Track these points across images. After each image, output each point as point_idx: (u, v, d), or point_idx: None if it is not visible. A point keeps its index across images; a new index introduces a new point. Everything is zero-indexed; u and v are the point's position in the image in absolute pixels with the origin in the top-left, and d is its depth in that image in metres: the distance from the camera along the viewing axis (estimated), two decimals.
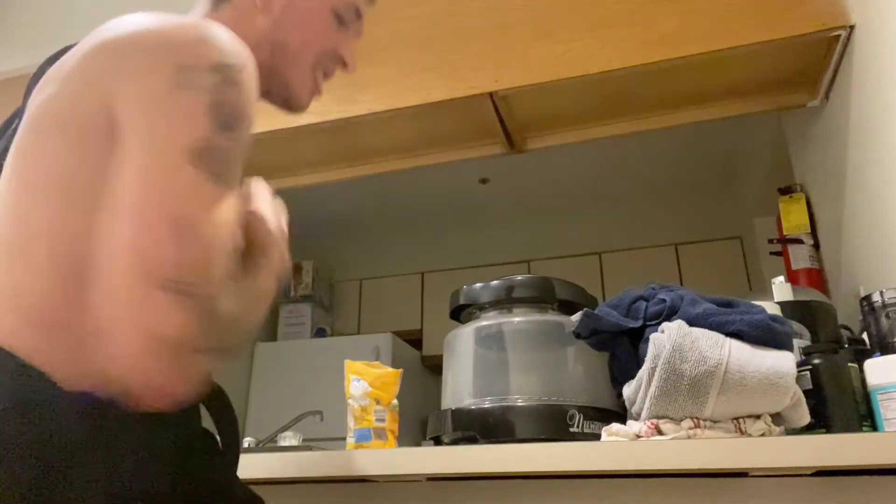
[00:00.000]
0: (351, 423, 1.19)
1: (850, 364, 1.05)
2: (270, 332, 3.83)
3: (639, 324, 1.07)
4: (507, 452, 0.95)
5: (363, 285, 4.14)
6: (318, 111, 1.79)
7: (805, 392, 1.02)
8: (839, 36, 1.47)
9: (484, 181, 3.67)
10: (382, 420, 1.18)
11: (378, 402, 1.19)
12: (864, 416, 1.02)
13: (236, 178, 0.64)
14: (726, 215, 3.59)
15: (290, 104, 0.83)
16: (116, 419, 0.56)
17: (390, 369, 1.23)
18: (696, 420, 0.95)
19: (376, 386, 1.19)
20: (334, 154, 1.98)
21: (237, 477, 0.78)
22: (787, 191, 1.93)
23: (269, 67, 0.78)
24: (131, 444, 0.58)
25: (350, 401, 1.19)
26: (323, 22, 0.80)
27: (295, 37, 0.79)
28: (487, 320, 1.28)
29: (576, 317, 1.12)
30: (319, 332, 3.78)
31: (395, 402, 1.22)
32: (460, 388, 1.27)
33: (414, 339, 3.72)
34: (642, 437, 0.96)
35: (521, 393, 1.18)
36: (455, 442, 1.14)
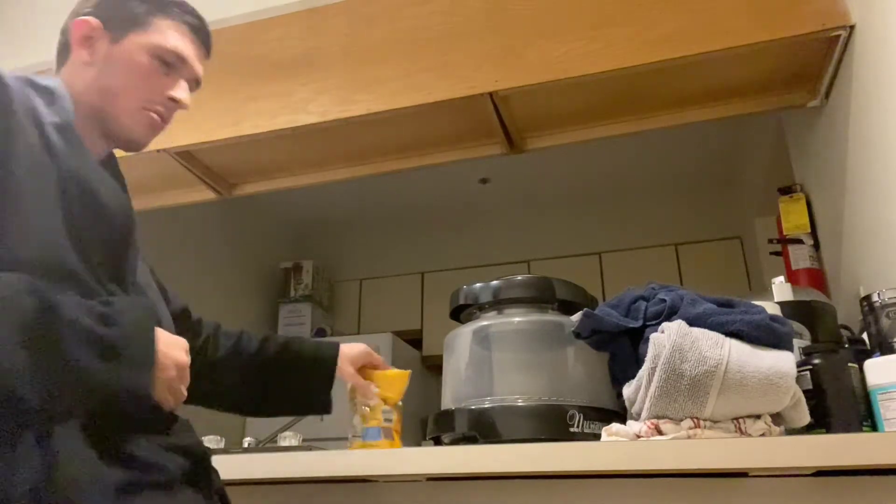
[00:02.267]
0: (357, 422, 1.19)
1: (850, 364, 1.05)
2: (270, 332, 3.84)
3: (639, 324, 1.07)
4: (507, 452, 0.95)
5: (363, 285, 4.14)
6: (318, 111, 1.79)
7: (805, 392, 1.02)
8: (839, 36, 1.47)
9: (484, 181, 3.67)
10: (390, 420, 1.18)
11: (385, 402, 1.18)
12: (864, 416, 1.02)
13: None
14: (726, 215, 3.59)
15: (128, 141, 0.91)
16: None
17: (397, 370, 1.22)
18: (696, 420, 0.95)
19: (383, 386, 1.19)
20: (334, 154, 1.98)
21: None
22: (787, 191, 1.93)
23: (100, 109, 0.88)
24: None
25: (358, 400, 1.18)
26: (144, 67, 0.89)
27: (117, 81, 0.89)
28: (487, 320, 1.28)
29: (576, 317, 1.12)
30: (319, 332, 3.78)
31: (399, 402, 1.21)
32: (460, 388, 1.27)
33: (414, 339, 3.73)
34: (642, 437, 0.96)
35: (521, 393, 1.18)
36: (455, 442, 1.14)
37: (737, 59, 1.56)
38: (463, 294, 1.30)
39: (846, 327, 1.33)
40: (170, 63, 0.91)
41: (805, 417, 1.00)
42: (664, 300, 1.06)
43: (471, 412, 1.16)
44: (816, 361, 1.06)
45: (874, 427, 1.01)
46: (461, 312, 1.34)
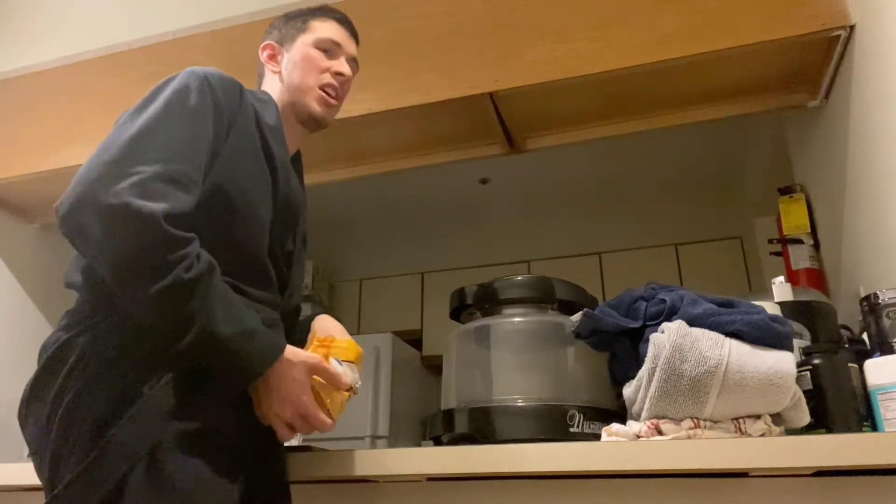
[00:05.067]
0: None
1: (850, 364, 1.05)
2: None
3: (639, 324, 1.07)
4: (507, 452, 0.95)
5: (363, 285, 4.15)
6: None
7: (805, 392, 1.02)
8: (839, 36, 1.47)
9: (484, 181, 3.67)
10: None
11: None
12: (864, 416, 1.02)
13: None
14: (726, 215, 3.59)
15: (312, 117, 1.14)
16: None
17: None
18: (696, 420, 0.95)
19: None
20: (334, 154, 1.98)
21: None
22: (787, 191, 1.93)
23: (290, 101, 1.14)
24: None
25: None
26: (311, 58, 1.15)
27: (297, 76, 1.14)
28: (487, 320, 1.28)
29: (576, 317, 1.12)
30: None
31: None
32: (460, 388, 1.27)
33: (414, 339, 3.73)
34: (642, 437, 0.96)
35: (521, 393, 1.18)
36: (455, 442, 1.14)
37: (737, 59, 1.56)
38: (463, 294, 1.31)
39: (846, 327, 1.33)
40: (328, 49, 1.16)
41: (805, 417, 1.00)
42: (664, 300, 1.06)
43: (471, 412, 1.16)
44: (816, 361, 1.07)
45: (874, 427, 1.01)
46: (461, 312, 1.34)
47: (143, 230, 0.80)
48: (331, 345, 1.01)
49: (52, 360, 0.87)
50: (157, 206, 0.81)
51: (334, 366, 0.97)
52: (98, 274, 0.87)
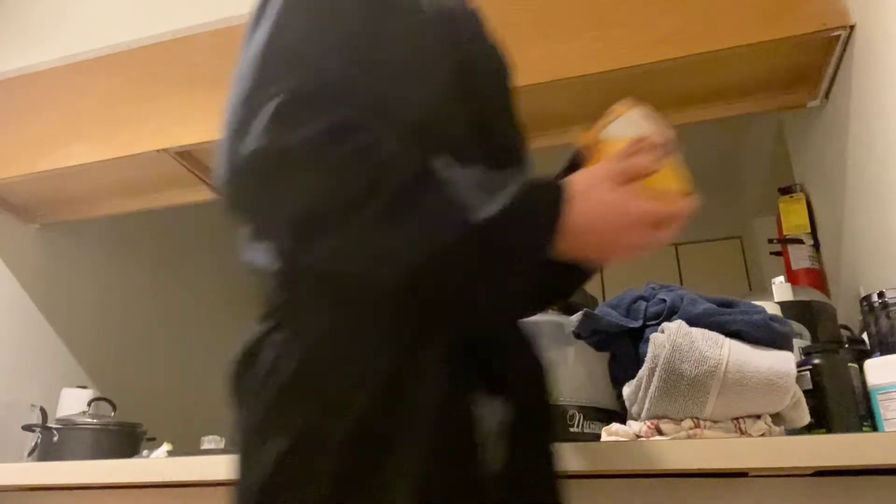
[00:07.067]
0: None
1: (850, 364, 1.05)
2: None
3: (639, 324, 1.07)
4: None
5: None
6: None
7: (805, 392, 1.02)
8: (839, 36, 1.47)
9: None
10: None
11: None
12: (864, 416, 1.02)
13: None
14: (726, 215, 3.59)
15: None
16: None
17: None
18: (696, 420, 0.95)
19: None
20: None
21: None
22: (787, 191, 1.93)
23: None
24: None
25: None
26: None
27: None
28: None
29: (576, 317, 1.12)
30: None
31: None
32: None
33: None
34: (642, 437, 0.96)
35: None
36: None
37: (737, 58, 1.56)
38: None
39: (846, 327, 1.33)
40: None
41: (805, 417, 1.00)
42: (664, 300, 1.06)
43: None
44: (816, 361, 1.07)
45: (874, 427, 1.01)
46: None
47: (308, 167, 0.59)
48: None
49: (246, 356, 0.67)
50: (311, 129, 0.60)
51: (617, 131, 0.76)
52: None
